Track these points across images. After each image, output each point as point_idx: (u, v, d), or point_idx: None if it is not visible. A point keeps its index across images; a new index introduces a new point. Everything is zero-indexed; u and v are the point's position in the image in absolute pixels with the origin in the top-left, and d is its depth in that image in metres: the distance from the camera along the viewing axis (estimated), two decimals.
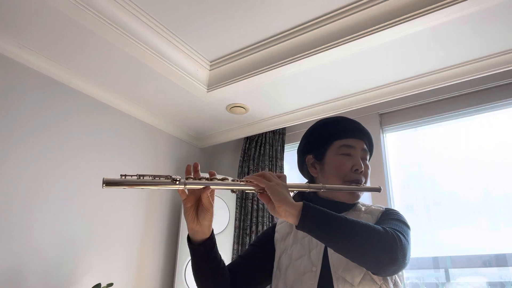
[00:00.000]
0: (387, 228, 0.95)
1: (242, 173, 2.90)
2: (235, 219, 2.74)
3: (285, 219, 0.96)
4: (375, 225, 0.95)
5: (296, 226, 0.94)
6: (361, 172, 1.16)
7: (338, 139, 1.19)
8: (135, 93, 2.53)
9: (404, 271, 2.23)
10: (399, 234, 0.96)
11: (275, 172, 2.71)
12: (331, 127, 1.23)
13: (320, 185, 1.11)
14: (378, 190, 1.18)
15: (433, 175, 2.40)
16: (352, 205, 1.19)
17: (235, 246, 2.66)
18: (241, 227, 2.72)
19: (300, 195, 1.21)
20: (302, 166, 1.27)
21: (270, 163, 2.82)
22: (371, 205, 1.20)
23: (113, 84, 2.42)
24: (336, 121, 1.25)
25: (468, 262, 2.11)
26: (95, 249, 2.29)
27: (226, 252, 2.60)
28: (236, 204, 2.79)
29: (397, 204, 2.41)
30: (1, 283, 1.85)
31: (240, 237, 2.69)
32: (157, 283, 2.63)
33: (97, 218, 2.33)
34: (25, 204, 2.02)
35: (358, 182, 1.15)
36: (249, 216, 2.71)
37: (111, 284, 2.11)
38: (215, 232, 1.08)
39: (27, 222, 2.01)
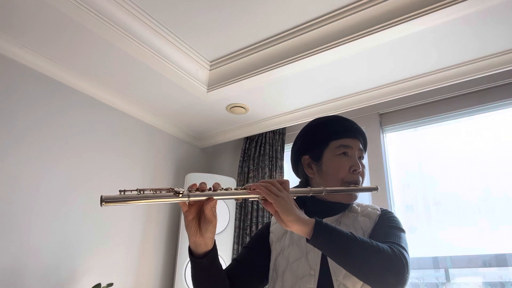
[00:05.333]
0: (395, 249, 0.95)
1: (242, 173, 2.90)
2: (235, 219, 2.74)
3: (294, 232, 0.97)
4: (383, 246, 0.95)
5: (306, 240, 0.95)
6: (359, 172, 1.17)
7: (335, 139, 1.18)
8: (135, 93, 2.52)
9: None
10: (405, 253, 0.96)
11: (275, 176, 2.71)
12: (327, 127, 1.22)
13: (321, 188, 1.10)
14: (375, 189, 1.21)
15: (433, 175, 2.39)
16: (347, 205, 1.18)
17: (235, 246, 2.66)
18: (241, 227, 2.72)
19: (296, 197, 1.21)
20: (297, 167, 1.26)
21: (270, 163, 2.81)
22: (366, 206, 1.20)
23: (113, 83, 2.42)
24: (332, 120, 1.25)
25: (468, 262, 2.11)
26: (95, 249, 2.29)
27: (226, 252, 2.60)
28: (236, 204, 2.79)
29: (397, 204, 2.41)
30: (0, 283, 1.85)
31: (240, 237, 2.68)
32: (157, 283, 2.62)
33: (97, 218, 2.33)
34: (25, 204, 2.02)
35: (356, 182, 1.16)
36: (249, 216, 2.71)
37: (111, 284, 2.12)
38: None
39: (27, 222, 2.01)
